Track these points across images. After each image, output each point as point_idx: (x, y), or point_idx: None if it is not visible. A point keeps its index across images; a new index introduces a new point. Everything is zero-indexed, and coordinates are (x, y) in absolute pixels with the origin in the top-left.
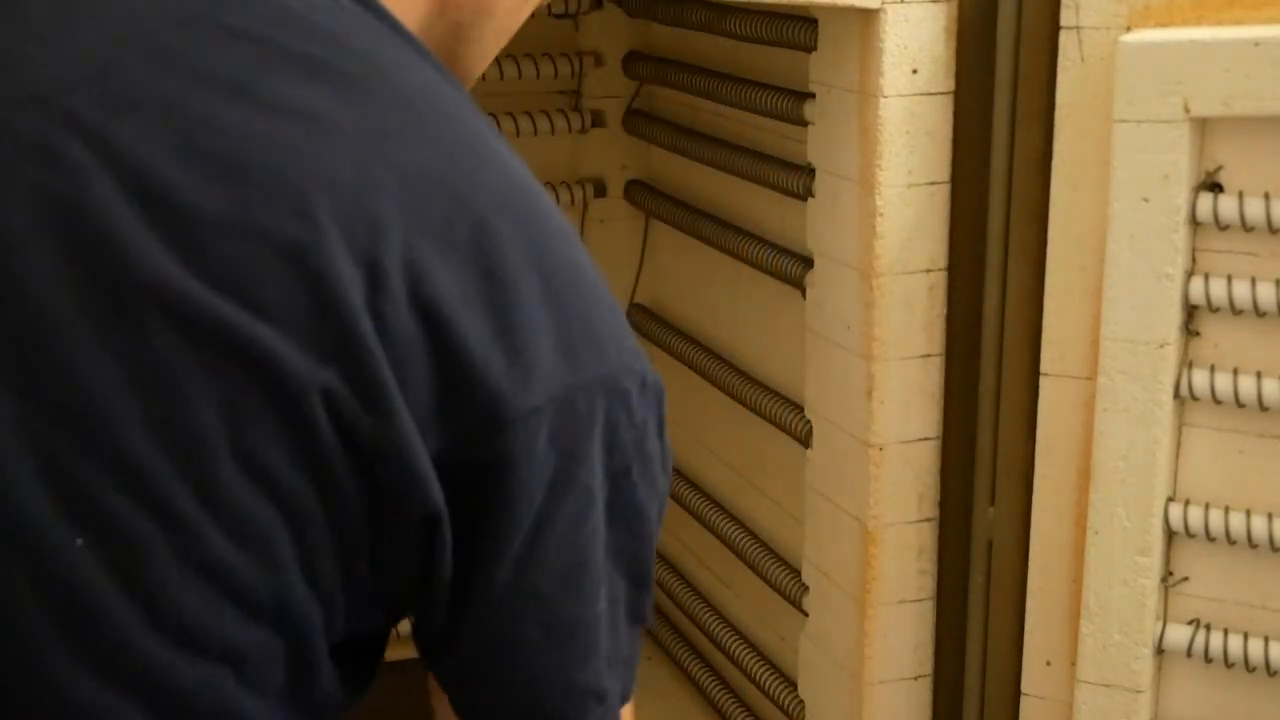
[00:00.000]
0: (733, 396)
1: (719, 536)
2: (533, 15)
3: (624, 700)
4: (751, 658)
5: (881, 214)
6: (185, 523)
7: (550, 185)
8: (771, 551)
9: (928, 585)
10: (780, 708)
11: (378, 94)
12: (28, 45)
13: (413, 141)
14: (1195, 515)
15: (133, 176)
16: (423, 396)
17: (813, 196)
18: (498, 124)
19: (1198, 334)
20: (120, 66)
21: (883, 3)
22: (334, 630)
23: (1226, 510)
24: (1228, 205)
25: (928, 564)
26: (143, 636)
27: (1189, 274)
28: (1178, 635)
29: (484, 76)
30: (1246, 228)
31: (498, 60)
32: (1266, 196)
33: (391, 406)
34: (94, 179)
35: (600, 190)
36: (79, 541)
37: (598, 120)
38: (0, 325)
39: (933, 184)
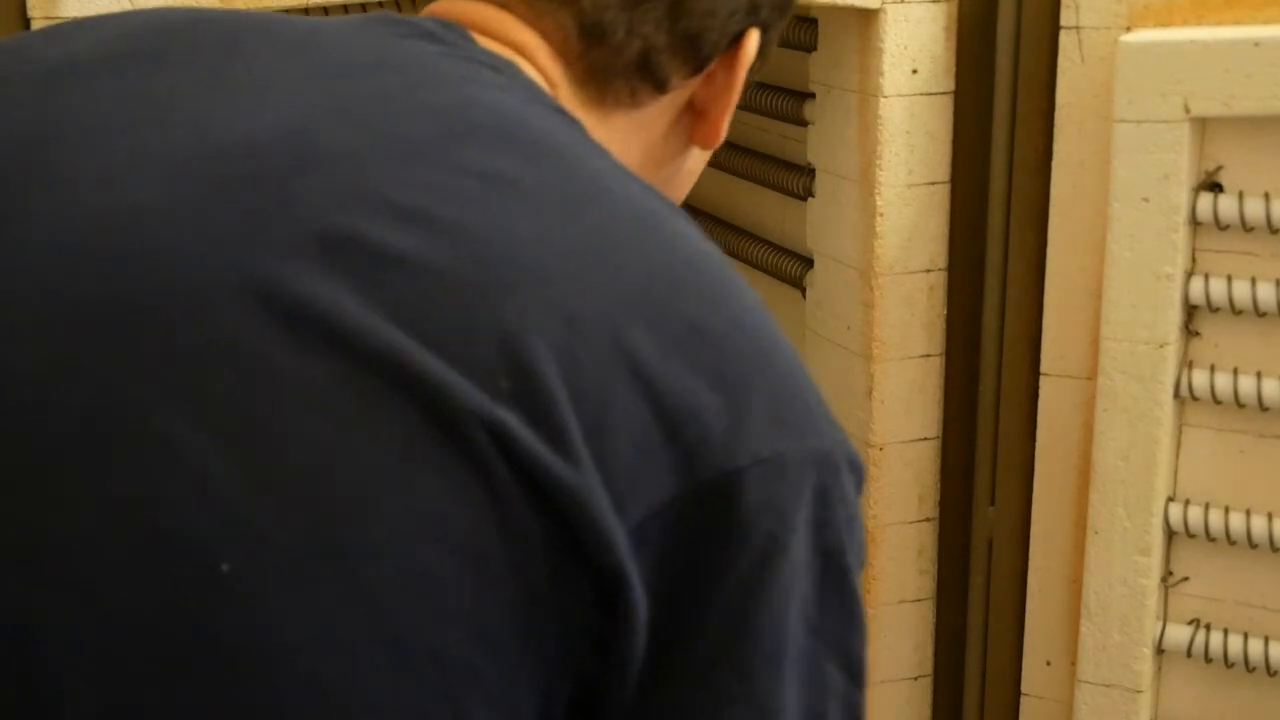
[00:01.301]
0: None
1: None
2: None
3: None
4: None
5: (881, 214)
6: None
7: None
8: None
9: (928, 585)
10: None
11: (568, 166)
12: (215, 96)
13: (606, 209)
14: (1195, 515)
15: (318, 222)
16: (620, 448)
17: (813, 196)
18: None
19: (1198, 334)
20: (313, 127)
21: (883, 3)
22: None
23: (1226, 510)
24: (1228, 205)
25: (928, 564)
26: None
27: (1189, 274)
28: (1178, 635)
29: None
30: (1246, 228)
31: None
32: (1266, 196)
33: (574, 451)
34: (274, 220)
35: None
36: (224, 567)
37: None
38: (177, 346)
39: (933, 184)
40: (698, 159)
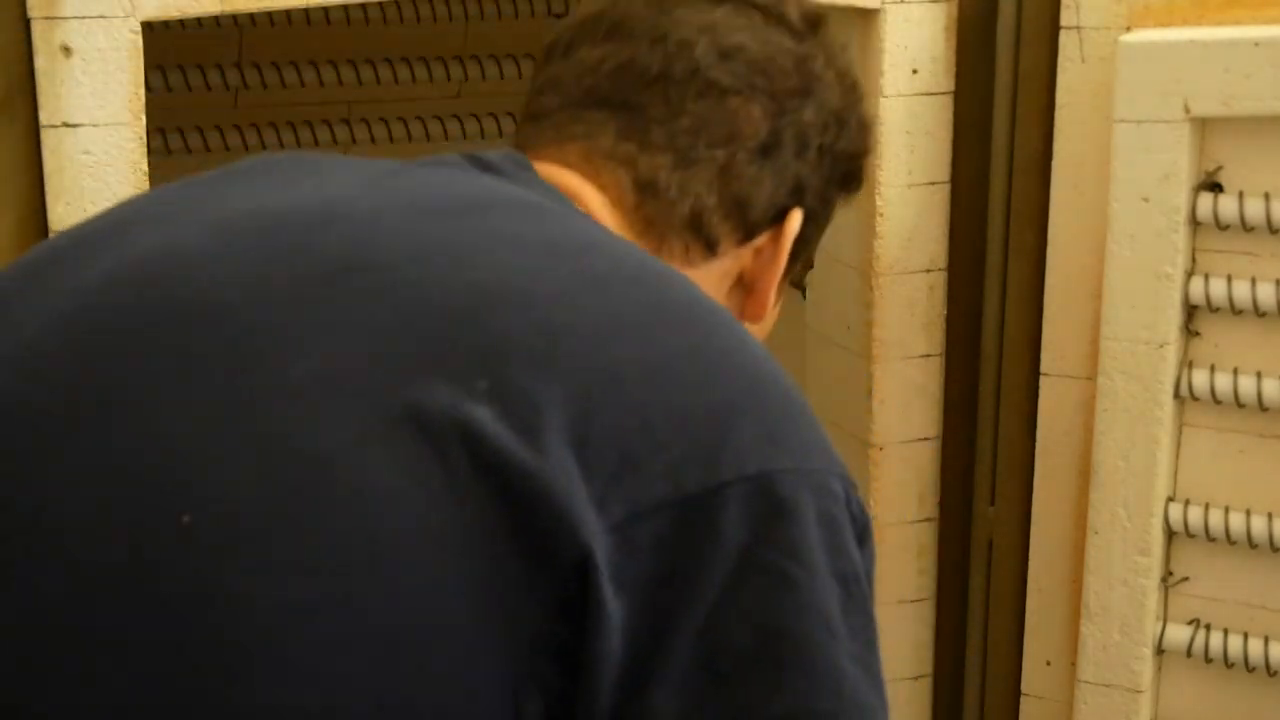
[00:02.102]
0: None
1: None
2: (531, 15)
3: None
4: None
5: (881, 214)
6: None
7: None
8: None
9: (928, 585)
10: None
11: (577, 226)
12: (275, 187)
13: (605, 256)
14: (1195, 515)
15: (329, 257)
16: (604, 451)
17: None
18: (497, 125)
19: (1198, 334)
20: (345, 196)
21: (883, 3)
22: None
23: (1226, 510)
24: (1228, 205)
25: (928, 564)
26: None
27: (1189, 274)
28: (1178, 635)
29: (484, 76)
30: (1246, 228)
31: (497, 60)
32: (1266, 196)
33: (545, 444)
34: (293, 257)
35: None
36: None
37: None
38: (191, 336)
39: (933, 184)
40: (752, 333)
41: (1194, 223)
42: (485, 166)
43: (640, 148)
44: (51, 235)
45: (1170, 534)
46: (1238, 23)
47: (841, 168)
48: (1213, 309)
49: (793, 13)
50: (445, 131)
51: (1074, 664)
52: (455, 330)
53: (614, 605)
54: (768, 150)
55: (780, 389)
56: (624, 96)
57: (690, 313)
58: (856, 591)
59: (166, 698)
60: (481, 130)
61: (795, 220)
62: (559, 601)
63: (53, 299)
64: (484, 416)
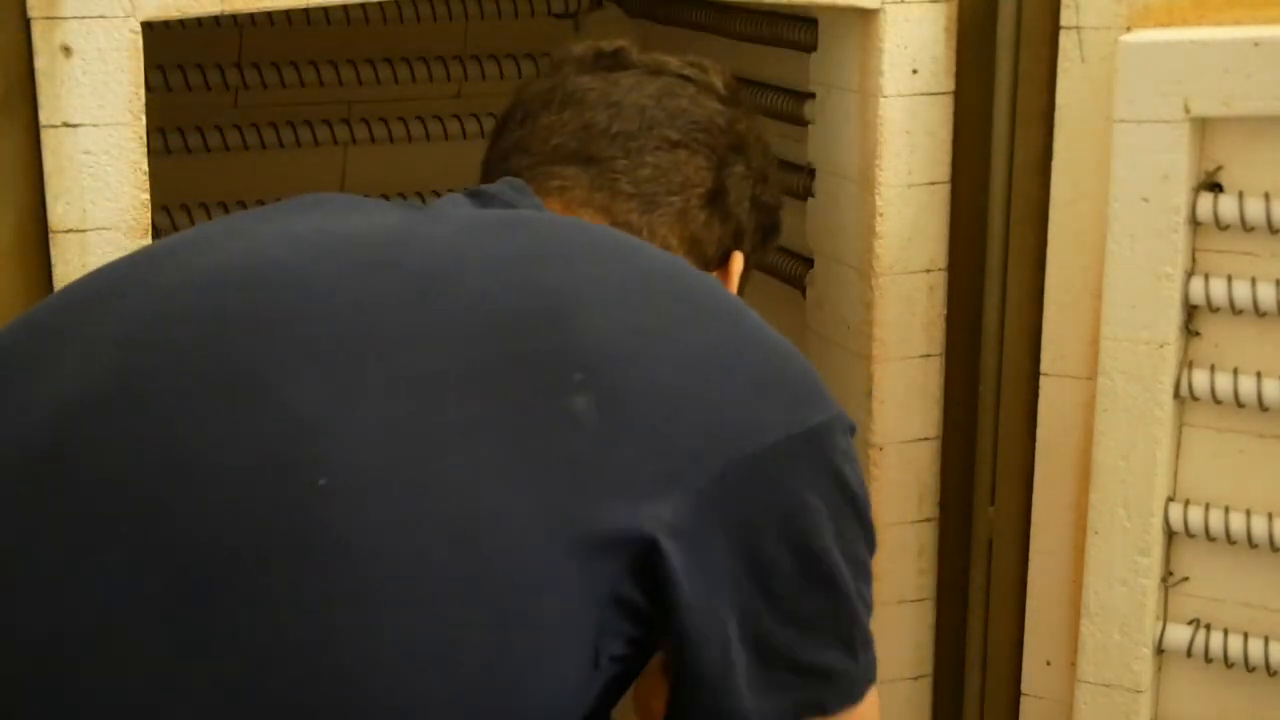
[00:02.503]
0: None
1: None
2: (531, 14)
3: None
4: None
5: (881, 214)
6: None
7: None
8: None
9: (928, 585)
10: None
11: (614, 236)
12: (332, 217)
13: (645, 258)
14: (1195, 515)
15: (410, 270)
16: (671, 431)
17: (812, 196)
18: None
19: (1198, 334)
20: (408, 227)
21: (883, 3)
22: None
23: (1226, 510)
24: (1228, 205)
25: (928, 564)
26: None
27: (1189, 274)
28: (1178, 635)
29: (484, 76)
30: (1246, 228)
31: (497, 60)
32: (1266, 196)
33: (627, 421)
34: (377, 271)
35: None
36: None
37: None
38: (307, 317)
39: (933, 184)
40: None
41: (1194, 223)
42: (504, 203)
43: (611, 196)
44: (52, 235)
45: (1170, 534)
46: (1238, 23)
47: (767, 218)
48: (1213, 309)
49: (718, 82)
50: (445, 131)
51: (1074, 664)
52: (544, 334)
53: (681, 561)
54: (714, 198)
55: (789, 352)
56: (590, 152)
57: (721, 301)
58: (867, 519)
59: (305, 634)
60: (482, 130)
61: (738, 261)
62: (635, 562)
63: (160, 295)
64: (581, 403)
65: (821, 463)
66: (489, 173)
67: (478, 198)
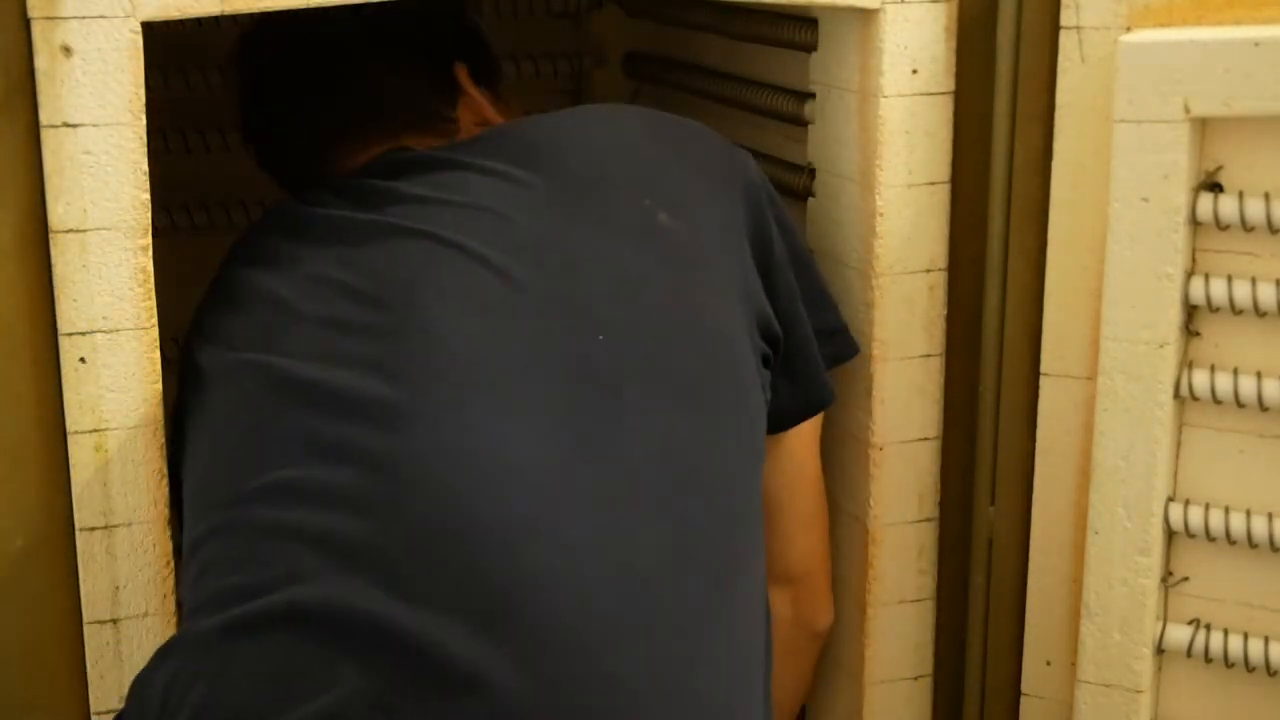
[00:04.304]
0: None
1: None
2: (531, 14)
3: None
4: None
5: (881, 214)
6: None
7: None
8: None
9: (928, 585)
10: None
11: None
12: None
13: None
14: (1195, 515)
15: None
16: (725, 188)
17: (812, 196)
18: None
19: (1198, 334)
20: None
21: (883, 3)
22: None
23: (1226, 510)
24: (1228, 205)
25: (928, 564)
26: None
27: (1189, 274)
28: (1178, 635)
29: None
30: (1246, 228)
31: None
32: (1266, 196)
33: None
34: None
35: None
36: None
37: None
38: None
39: (933, 184)
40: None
41: (1194, 223)
42: (431, 156)
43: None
44: (52, 235)
45: (1170, 534)
46: (1238, 23)
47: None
48: (1213, 309)
49: None
50: None
51: (1074, 664)
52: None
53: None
54: (414, 55)
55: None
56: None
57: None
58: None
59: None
60: None
61: (463, 73)
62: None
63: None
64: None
65: (766, 185)
66: (307, 164)
67: (420, 162)
